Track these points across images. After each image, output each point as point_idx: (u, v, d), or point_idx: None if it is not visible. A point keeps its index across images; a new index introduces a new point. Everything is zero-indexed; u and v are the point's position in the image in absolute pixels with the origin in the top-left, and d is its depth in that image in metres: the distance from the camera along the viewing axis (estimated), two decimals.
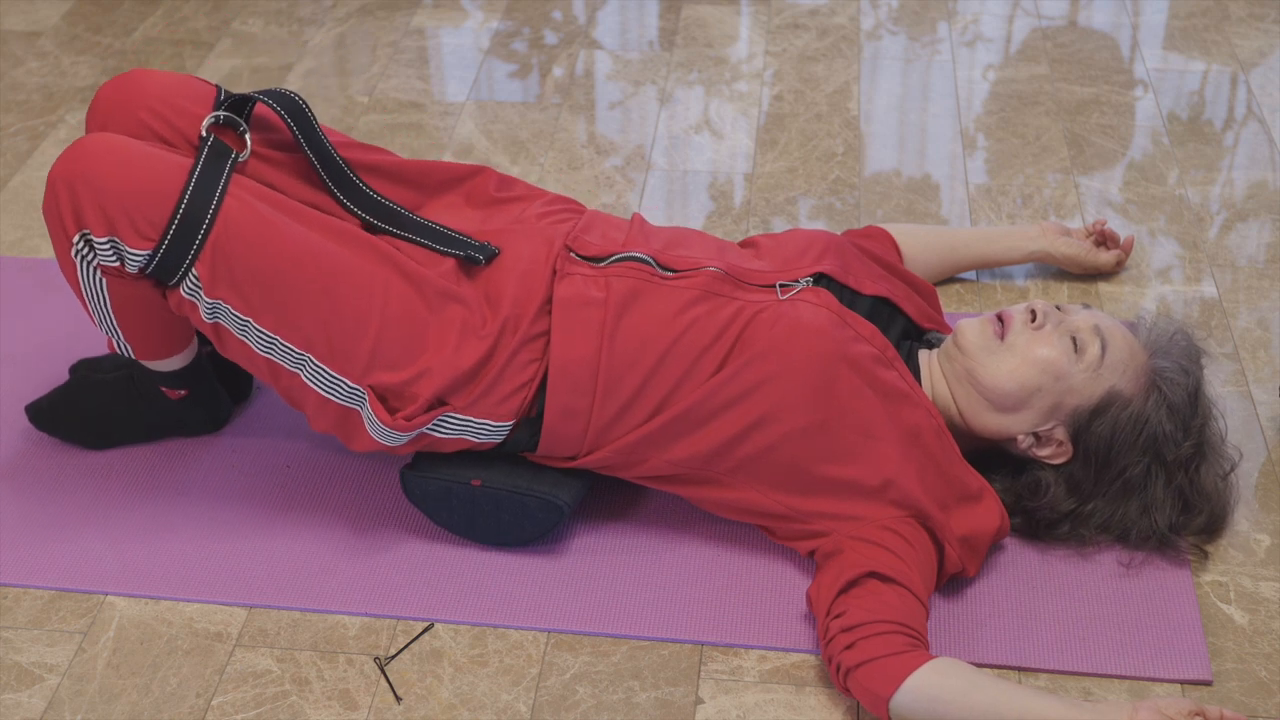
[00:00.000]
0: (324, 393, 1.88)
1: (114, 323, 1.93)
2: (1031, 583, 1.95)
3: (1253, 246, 2.60)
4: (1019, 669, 1.84)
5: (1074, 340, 1.93)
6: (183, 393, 2.10)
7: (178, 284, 1.83)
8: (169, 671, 1.85)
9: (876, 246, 2.28)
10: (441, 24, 3.39)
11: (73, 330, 2.35)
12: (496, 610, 1.92)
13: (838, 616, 1.79)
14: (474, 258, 1.93)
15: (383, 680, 1.84)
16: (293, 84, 3.13)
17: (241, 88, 3.11)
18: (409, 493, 1.97)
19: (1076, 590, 1.94)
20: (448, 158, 2.87)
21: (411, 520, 2.04)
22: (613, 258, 1.95)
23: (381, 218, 1.97)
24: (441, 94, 3.11)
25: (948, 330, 2.15)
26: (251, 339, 1.86)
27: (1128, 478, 1.93)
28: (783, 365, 1.87)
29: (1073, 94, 3.07)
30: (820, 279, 1.98)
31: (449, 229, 1.98)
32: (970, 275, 2.51)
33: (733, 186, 2.79)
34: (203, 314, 1.85)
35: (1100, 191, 2.75)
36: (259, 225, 1.83)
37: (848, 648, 1.75)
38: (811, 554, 1.93)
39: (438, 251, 1.94)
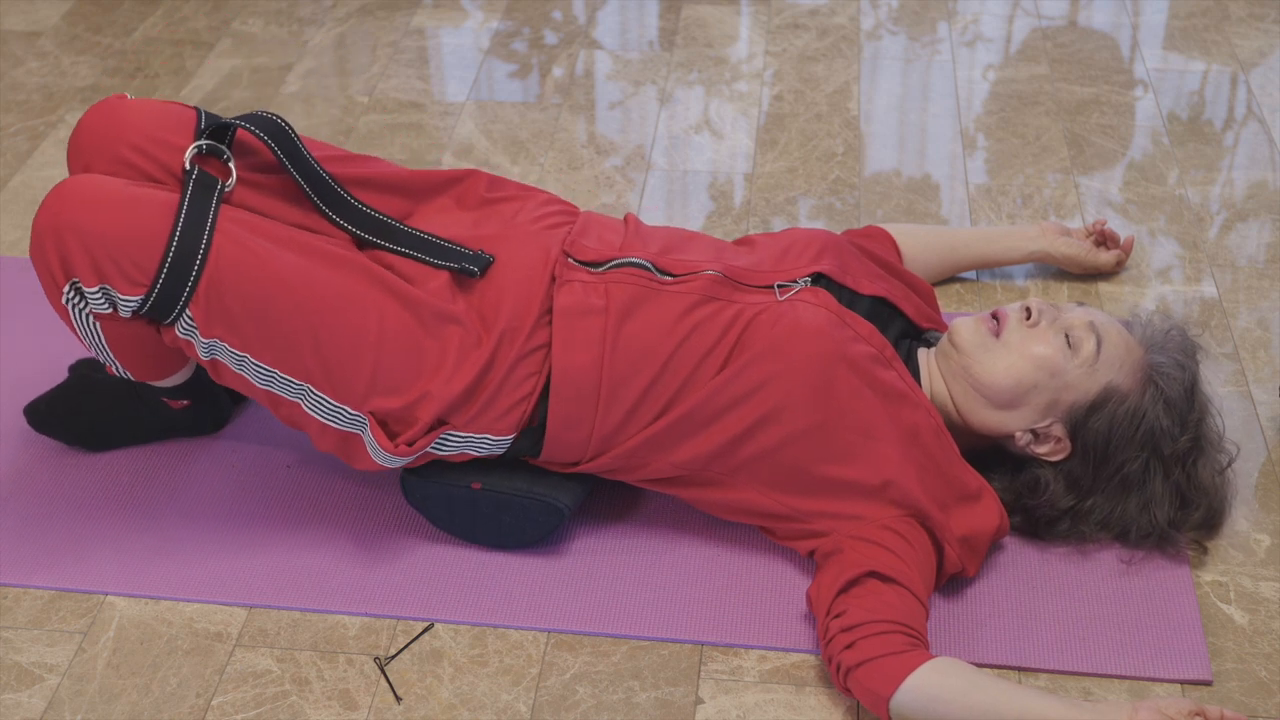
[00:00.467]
0: (325, 420, 1.88)
1: (110, 355, 1.92)
2: (1031, 583, 1.95)
3: (1253, 246, 2.60)
4: (1019, 669, 1.84)
5: (1069, 337, 1.94)
6: (185, 403, 2.11)
7: (172, 323, 1.83)
8: (169, 671, 1.85)
9: (875, 246, 2.27)
10: (441, 24, 3.39)
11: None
12: (496, 610, 1.92)
13: (838, 616, 1.79)
14: (469, 270, 1.91)
15: (383, 680, 1.84)
16: (292, 84, 3.13)
17: (241, 88, 3.11)
18: (410, 497, 1.97)
19: (1076, 590, 1.94)
20: (448, 158, 2.87)
21: (411, 520, 2.04)
22: (611, 263, 1.94)
23: (373, 231, 1.95)
24: (441, 94, 3.11)
25: (945, 329, 2.15)
26: (249, 373, 1.86)
27: (1126, 473, 1.93)
28: (783, 366, 1.87)
29: (1073, 94, 3.07)
30: (818, 279, 1.98)
31: (442, 239, 1.95)
32: (970, 275, 2.51)
33: (733, 186, 2.79)
34: (199, 351, 1.85)
35: (1100, 191, 2.75)
36: (251, 262, 1.81)
37: (848, 647, 1.75)
38: (811, 554, 1.93)
39: (431, 265, 1.92)
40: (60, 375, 2.24)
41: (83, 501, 2.07)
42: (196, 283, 1.79)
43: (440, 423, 1.89)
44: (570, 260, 1.94)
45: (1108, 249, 2.50)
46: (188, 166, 1.85)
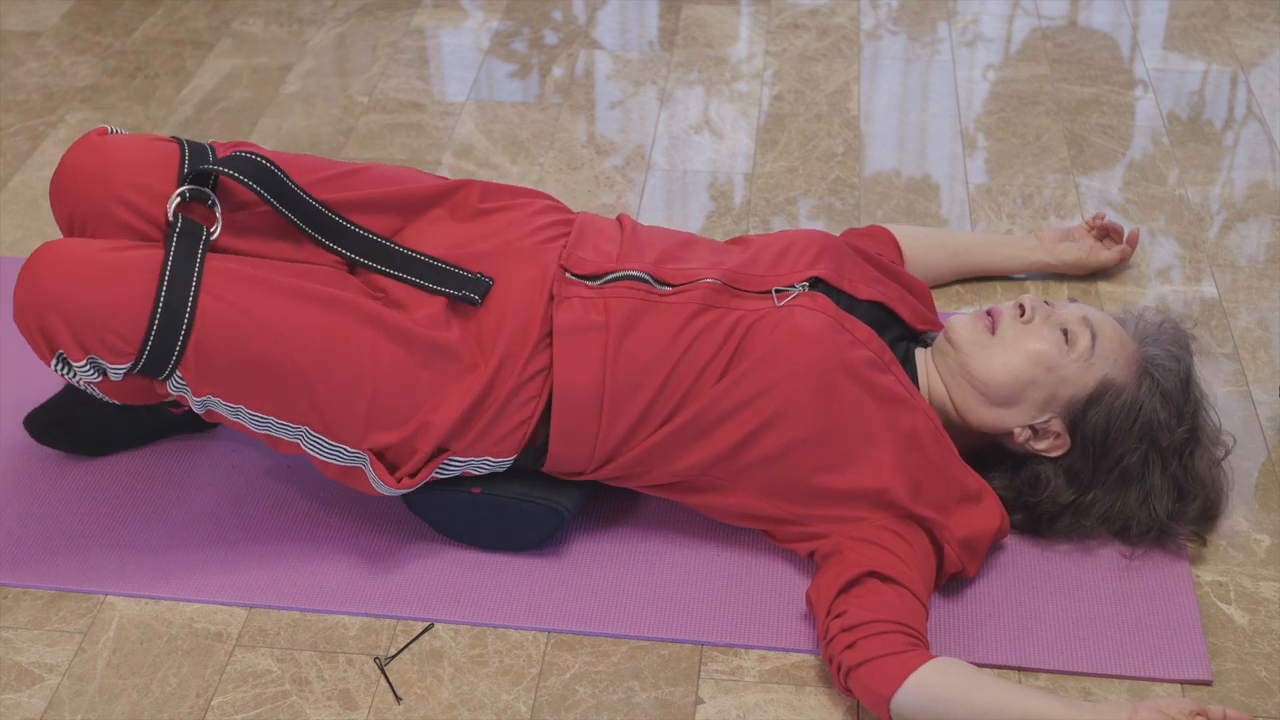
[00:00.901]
0: (325, 459, 1.88)
1: (107, 398, 1.91)
2: (1031, 583, 1.95)
3: (1253, 246, 2.60)
4: (1019, 669, 1.84)
5: (1064, 332, 1.94)
6: (184, 408, 2.11)
7: (165, 380, 1.82)
8: (169, 671, 1.85)
9: (875, 245, 2.28)
10: (441, 24, 3.39)
11: None
12: (496, 610, 1.92)
13: (838, 616, 1.79)
14: (470, 299, 1.88)
15: (383, 680, 1.84)
16: (292, 84, 3.13)
17: (241, 88, 3.11)
18: (410, 502, 1.97)
19: (1076, 590, 1.94)
20: (448, 157, 2.87)
21: (412, 520, 2.04)
22: (609, 276, 1.93)
23: (367, 254, 1.92)
24: (441, 94, 3.11)
25: (942, 329, 2.15)
26: (245, 420, 1.85)
27: (1125, 465, 1.93)
28: (783, 372, 1.87)
29: (1073, 94, 3.07)
30: (816, 283, 1.98)
31: (438, 260, 1.92)
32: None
33: (733, 186, 2.79)
34: (193, 405, 1.85)
35: (1100, 191, 2.75)
36: (238, 319, 1.79)
37: (848, 647, 1.75)
38: (811, 555, 1.93)
39: (428, 290, 1.89)
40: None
41: (83, 501, 2.07)
42: (184, 348, 1.78)
43: (440, 450, 1.88)
44: (568, 275, 1.92)
45: (1113, 241, 2.50)
46: (171, 218, 1.83)
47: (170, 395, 1.85)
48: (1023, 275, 2.51)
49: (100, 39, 3.32)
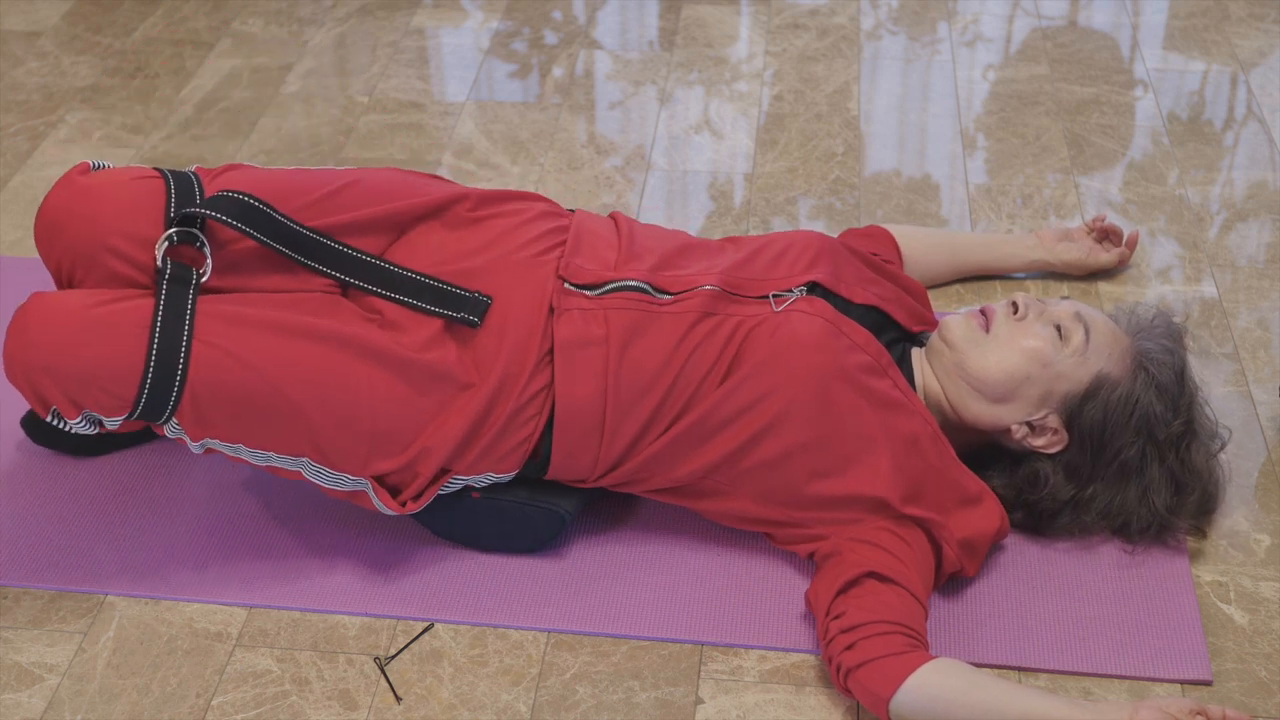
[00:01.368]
0: (327, 486, 1.88)
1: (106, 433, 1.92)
2: (1031, 583, 1.95)
3: (1253, 246, 2.60)
4: (1019, 669, 1.84)
5: (1058, 328, 1.95)
6: None
7: (162, 425, 1.82)
8: (169, 671, 1.85)
9: (873, 246, 2.28)
10: (441, 24, 3.39)
11: None
12: (496, 610, 1.92)
13: (837, 617, 1.79)
14: (469, 321, 1.86)
15: (383, 680, 1.84)
16: (292, 84, 3.13)
17: (241, 87, 3.11)
18: None
19: (1076, 590, 1.94)
20: (447, 158, 2.87)
21: (411, 521, 2.03)
22: (608, 286, 1.91)
23: (362, 277, 1.88)
24: (441, 94, 3.11)
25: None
26: (244, 455, 1.85)
27: (1124, 459, 1.94)
28: (782, 378, 1.87)
29: (1073, 94, 3.07)
30: (813, 288, 1.98)
31: (435, 280, 1.89)
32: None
33: (733, 186, 2.79)
34: (192, 448, 1.85)
35: (1100, 191, 2.75)
36: (233, 366, 1.78)
37: (848, 648, 1.75)
38: (811, 555, 1.93)
39: (425, 312, 1.87)
40: None
41: (83, 501, 2.07)
42: (179, 399, 1.77)
43: (443, 471, 1.88)
44: (566, 286, 1.90)
45: (1112, 243, 2.50)
46: (159, 264, 1.80)
47: (169, 437, 1.86)
48: (1022, 275, 2.51)
49: (100, 39, 3.32)
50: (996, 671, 1.83)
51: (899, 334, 2.06)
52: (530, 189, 2.76)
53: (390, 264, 1.91)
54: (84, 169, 1.90)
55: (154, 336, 1.76)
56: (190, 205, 1.84)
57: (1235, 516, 2.05)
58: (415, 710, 1.80)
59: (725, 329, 1.90)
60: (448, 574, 1.97)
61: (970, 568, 1.91)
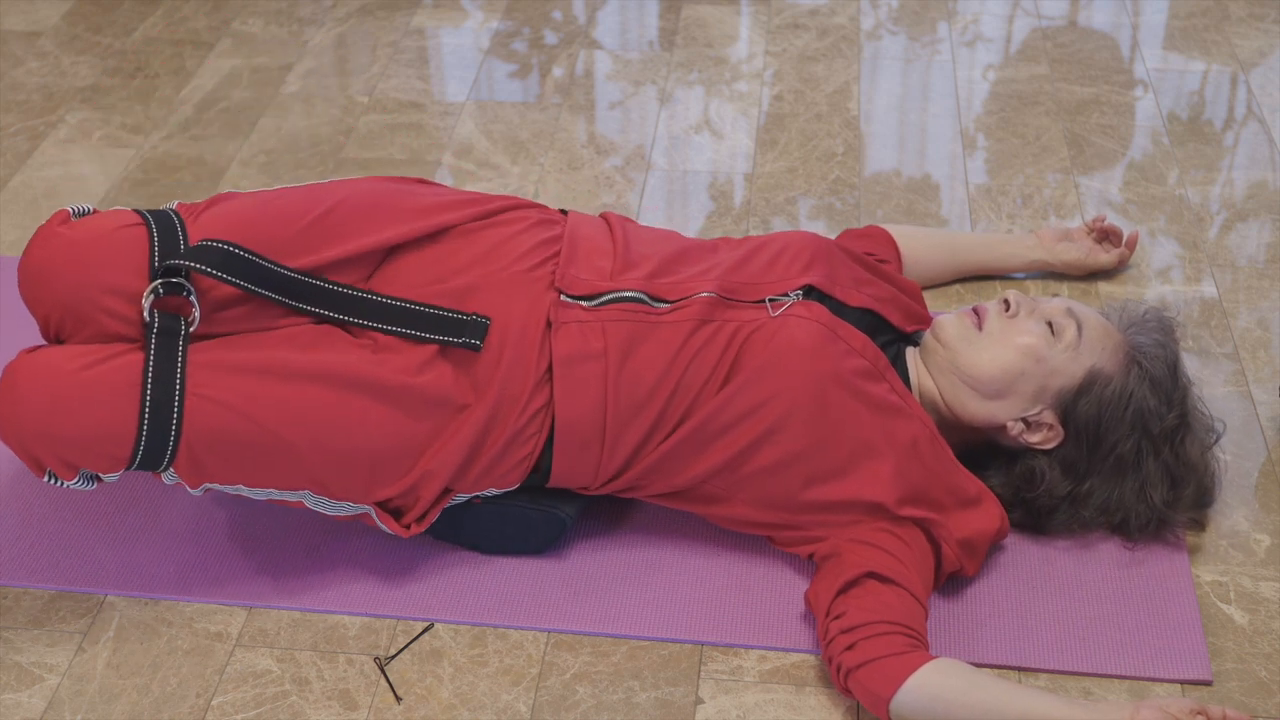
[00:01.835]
0: (330, 513, 1.89)
1: None
2: (1031, 583, 1.95)
3: (1253, 246, 2.60)
4: (1019, 669, 1.84)
5: (1050, 325, 1.96)
6: None
7: (160, 474, 1.82)
8: (169, 671, 1.85)
9: (868, 245, 2.28)
10: (441, 24, 3.39)
11: None
12: (496, 610, 1.92)
13: (837, 618, 1.79)
14: (470, 344, 1.84)
15: (383, 680, 1.84)
16: (292, 84, 3.13)
17: (241, 88, 3.11)
18: None
19: (1076, 590, 1.94)
20: (447, 158, 2.87)
21: None
22: (605, 297, 1.90)
23: (352, 312, 1.85)
24: (441, 94, 3.11)
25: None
26: (245, 494, 1.85)
27: (1120, 453, 1.94)
28: (780, 384, 1.87)
29: (1073, 94, 3.07)
30: (809, 291, 1.98)
31: (429, 306, 1.86)
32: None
33: (733, 186, 2.79)
34: (192, 493, 1.85)
35: (1100, 191, 2.75)
36: (227, 416, 1.77)
37: (848, 648, 1.75)
38: (811, 556, 1.93)
39: (422, 341, 1.84)
40: None
41: (83, 501, 2.07)
42: (175, 452, 1.77)
43: (446, 491, 1.89)
44: (563, 298, 1.89)
45: (1112, 244, 2.50)
46: (147, 317, 1.78)
47: (167, 483, 1.86)
48: (1022, 275, 2.51)
49: (100, 39, 3.32)
50: (996, 671, 1.83)
51: (894, 335, 2.06)
52: (530, 189, 2.76)
53: (382, 296, 1.86)
54: (64, 218, 1.84)
55: (145, 395, 1.75)
56: (174, 254, 1.80)
57: (1235, 516, 2.05)
58: (415, 710, 1.80)
59: (723, 335, 1.90)
60: (448, 574, 1.97)
61: (970, 567, 1.92)
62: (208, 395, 1.77)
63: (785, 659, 1.86)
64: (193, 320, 1.79)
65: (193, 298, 1.79)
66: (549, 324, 1.87)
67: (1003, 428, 1.97)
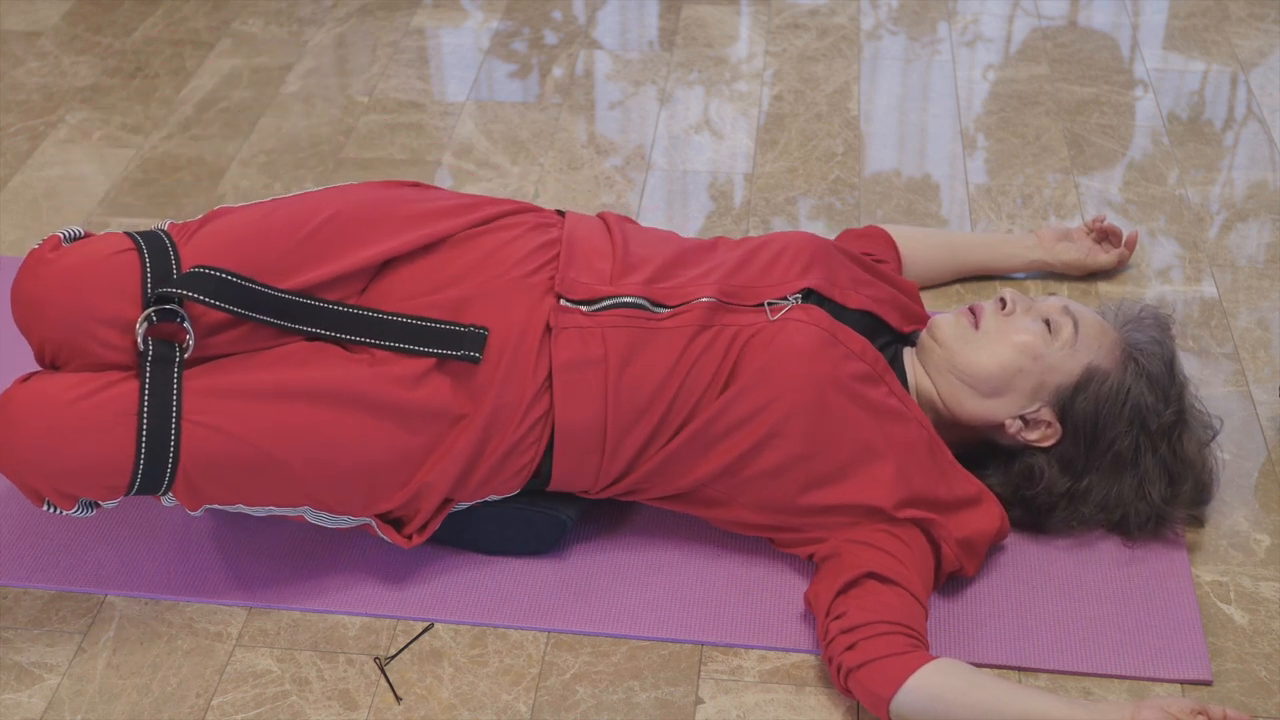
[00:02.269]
0: (331, 526, 1.89)
1: None
2: (1031, 583, 1.95)
3: (1253, 246, 2.60)
4: (1019, 669, 1.84)
5: (1047, 322, 1.96)
6: None
7: (159, 498, 1.81)
8: (169, 671, 1.85)
9: (866, 245, 2.28)
10: (441, 24, 3.39)
11: None
12: (496, 610, 1.92)
13: (838, 618, 1.79)
14: (470, 357, 1.82)
15: (383, 680, 1.84)
16: (292, 84, 3.13)
17: (241, 88, 3.11)
18: None
19: (1076, 590, 1.94)
20: (448, 158, 2.87)
21: None
22: (605, 302, 1.90)
23: (352, 330, 1.83)
24: (441, 94, 3.11)
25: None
26: (245, 511, 1.85)
27: (1118, 450, 1.94)
28: (779, 389, 1.86)
29: (1073, 94, 3.07)
30: (809, 294, 1.98)
31: (426, 320, 1.84)
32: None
33: (733, 186, 2.79)
34: (191, 514, 1.85)
35: (1100, 191, 2.75)
36: (223, 442, 1.76)
37: (848, 649, 1.75)
38: (811, 557, 1.93)
39: (420, 355, 1.83)
40: None
41: None
42: (173, 479, 1.77)
43: (446, 502, 1.89)
44: (563, 303, 1.88)
45: (1111, 244, 2.51)
46: (141, 346, 1.76)
47: (166, 506, 1.86)
48: (1022, 275, 2.51)
49: (100, 39, 3.32)
50: (996, 671, 1.83)
51: (892, 336, 2.06)
52: (530, 189, 2.76)
53: (377, 312, 1.85)
54: (54, 244, 1.82)
55: (142, 425, 1.74)
56: (166, 279, 1.79)
57: (1235, 516, 2.05)
58: (415, 710, 1.80)
59: (722, 340, 1.89)
60: (448, 574, 1.97)
61: (970, 567, 1.92)
62: (204, 422, 1.76)
63: (785, 659, 1.86)
64: (187, 347, 1.78)
65: (186, 324, 1.78)
66: (548, 329, 1.87)
67: (1001, 426, 1.97)
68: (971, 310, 2.00)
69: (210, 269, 1.79)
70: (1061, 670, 1.84)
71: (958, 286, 2.48)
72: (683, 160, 2.87)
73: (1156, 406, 1.94)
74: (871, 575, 1.81)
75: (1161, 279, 2.52)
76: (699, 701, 1.81)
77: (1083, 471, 1.96)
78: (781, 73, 3.17)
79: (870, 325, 2.01)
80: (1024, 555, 1.99)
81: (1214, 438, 2.02)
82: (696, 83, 3.14)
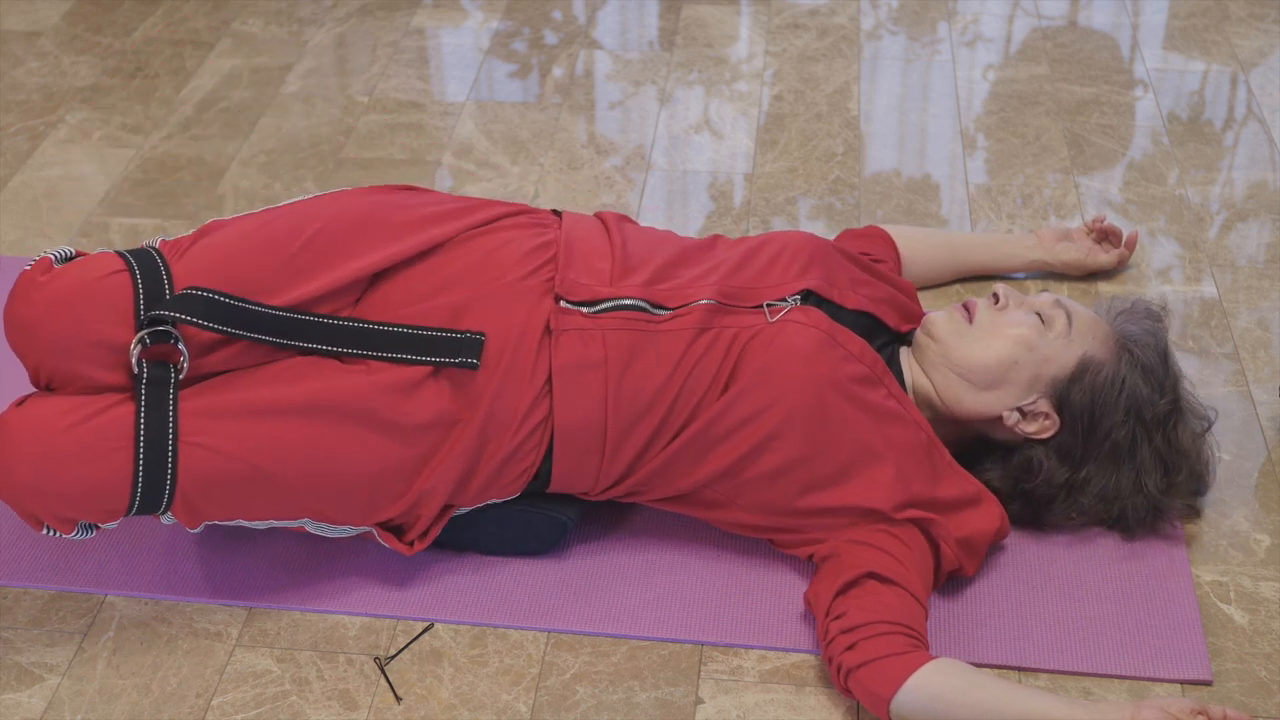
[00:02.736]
0: (332, 536, 1.89)
1: None
2: (1031, 583, 1.95)
3: (1253, 246, 2.60)
4: (1019, 669, 1.84)
5: (1040, 315, 1.97)
6: None
7: (158, 517, 1.81)
8: (169, 671, 1.85)
9: (865, 245, 2.28)
10: (441, 24, 3.39)
11: None
12: (496, 610, 1.92)
13: (838, 618, 1.79)
14: (468, 364, 1.81)
15: (383, 680, 1.84)
16: (292, 84, 3.13)
17: (241, 88, 3.11)
18: None
19: (1076, 590, 1.94)
20: (448, 158, 2.87)
21: None
22: (605, 304, 1.89)
23: (347, 343, 1.82)
24: (441, 94, 3.11)
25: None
26: (244, 524, 1.85)
27: (1115, 440, 1.95)
28: (778, 391, 1.86)
29: (1073, 94, 3.07)
30: (807, 295, 1.98)
31: (422, 329, 1.83)
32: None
33: (733, 186, 2.79)
34: (190, 531, 1.85)
35: (1100, 191, 2.76)
36: (220, 462, 1.76)
37: (848, 649, 1.75)
38: (810, 557, 1.93)
39: (416, 364, 1.82)
40: None
41: None
42: (171, 499, 1.77)
43: (447, 508, 1.89)
44: (563, 304, 1.88)
45: (1111, 244, 2.51)
46: (135, 368, 1.75)
47: (165, 524, 1.86)
48: (1022, 275, 2.51)
49: (100, 39, 3.32)
50: (996, 671, 1.83)
51: (890, 336, 2.06)
52: (530, 189, 2.76)
53: (373, 323, 1.84)
54: (45, 266, 1.79)
55: (139, 448, 1.74)
56: (158, 300, 1.77)
57: (1235, 516, 2.05)
58: (415, 710, 1.80)
59: (722, 342, 1.89)
60: (448, 574, 1.97)
61: (969, 566, 1.92)
62: (201, 443, 1.76)
63: (785, 659, 1.86)
64: (181, 368, 1.77)
65: (180, 344, 1.77)
66: (548, 330, 1.86)
67: (998, 419, 1.98)
68: (965, 306, 2.01)
69: (201, 290, 1.77)
70: (1061, 670, 1.84)
71: (957, 286, 2.48)
72: (683, 160, 2.87)
73: (1151, 396, 1.95)
74: (871, 575, 1.81)
75: (1161, 279, 2.52)
76: (699, 701, 1.81)
77: (1081, 461, 1.96)
78: (781, 73, 3.17)
79: (868, 325, 2.01)
80: (1024, 555, 1.99)
81: (1209, 428, 2.02)
82: (696, 83, 3.14)
